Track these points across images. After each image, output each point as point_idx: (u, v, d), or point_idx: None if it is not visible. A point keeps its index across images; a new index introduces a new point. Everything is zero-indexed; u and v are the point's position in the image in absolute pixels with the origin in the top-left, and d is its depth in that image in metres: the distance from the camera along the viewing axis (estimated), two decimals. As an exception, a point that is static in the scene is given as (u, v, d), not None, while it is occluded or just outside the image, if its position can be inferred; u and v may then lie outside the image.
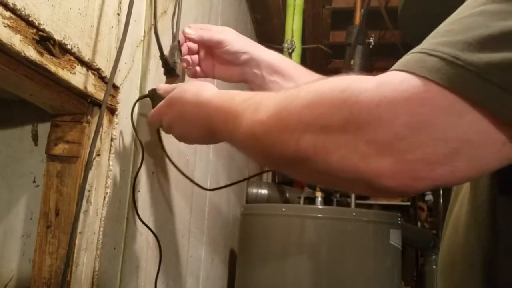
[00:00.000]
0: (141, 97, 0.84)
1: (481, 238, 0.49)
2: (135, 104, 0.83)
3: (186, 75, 0.84)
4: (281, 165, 0.48)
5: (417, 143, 0.36)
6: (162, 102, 0.70)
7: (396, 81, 0.37)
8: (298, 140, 0.42)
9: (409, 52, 0.40)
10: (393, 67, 0.40)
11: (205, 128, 0.61)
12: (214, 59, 0.82)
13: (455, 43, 0.36)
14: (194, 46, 0.81)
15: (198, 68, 0.83)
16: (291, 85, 0.79)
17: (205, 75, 0.83)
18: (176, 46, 0.81)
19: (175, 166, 0.99)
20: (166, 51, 0.82)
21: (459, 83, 0.35)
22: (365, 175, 0.39)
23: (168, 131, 0.72)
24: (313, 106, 0.42)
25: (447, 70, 0.35)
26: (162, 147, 0.89)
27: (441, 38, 0.38)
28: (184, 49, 0.81)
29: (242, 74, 0.81)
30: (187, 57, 0.81)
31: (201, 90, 0.64)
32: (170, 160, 0.99)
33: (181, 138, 0.70)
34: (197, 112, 0.63)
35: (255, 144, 0.49)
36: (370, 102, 0.37)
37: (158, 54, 0.81)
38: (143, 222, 0.89)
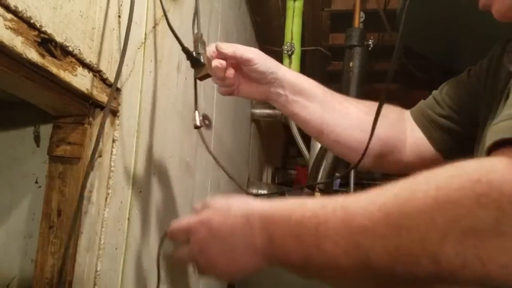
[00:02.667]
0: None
1: None
2: None
3: (212, 65, 0.80)
4: (407, 286, 0.38)
5: None
6: (191, 218, 0.57)
7: None
8: (435, 254, 0.34)
9: (509, 117, 0.38)
10: (504, 135, 0.37)
11: (257, 245, 0.50)
12: (240, 77, 0.82)
13: None
14: (224, 63, 0.79)
15: (232, 86, 0.81)
16: (314, 104, 0.81)
17: (231, 91, 0.83)
18: (199, 37, 0.80)
19: (223, 169, 0.94)
20: (169, 54, 0.82)
21: None
22: None
23: (197, 259, 0.55)
24: (446, 205, 0.34)
25: None
26: (208, 150, 0.85)
27: None
28: (215, 63, 0.79)
29: (266, 93, 0.83)
30: (223, 72, 0.79)
31: (247, 201, 0.54)
32: (217, 161, 0.94)
33: (215, 266, 0.54)
34: (246, 225, 0.50)
35: (365, 268, 0.38)
36: None
37: (158, 56, 0.81)
38: None
